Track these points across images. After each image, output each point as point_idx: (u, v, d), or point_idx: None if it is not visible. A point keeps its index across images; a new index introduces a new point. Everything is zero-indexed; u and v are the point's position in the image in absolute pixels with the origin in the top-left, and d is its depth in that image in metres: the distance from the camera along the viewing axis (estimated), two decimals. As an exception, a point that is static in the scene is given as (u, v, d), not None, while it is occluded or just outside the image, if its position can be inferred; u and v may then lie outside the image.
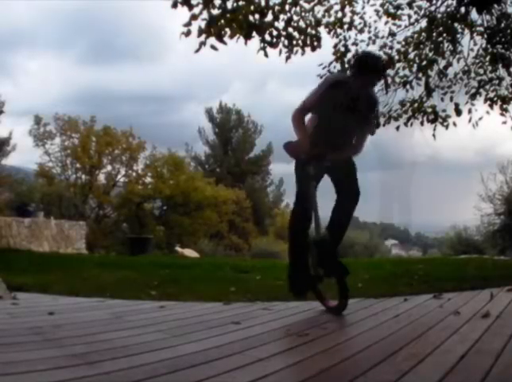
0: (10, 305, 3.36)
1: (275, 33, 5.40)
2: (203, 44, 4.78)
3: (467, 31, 7.20)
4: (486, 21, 7.01)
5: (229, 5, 4.90)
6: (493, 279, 4.63)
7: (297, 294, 3.36)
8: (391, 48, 7.27)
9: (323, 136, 3.28)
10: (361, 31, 7.07)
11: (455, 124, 7.11)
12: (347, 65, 7.07)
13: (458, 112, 6.91)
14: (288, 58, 5.85)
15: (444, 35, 7.12)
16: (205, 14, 4.74)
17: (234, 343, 2.25)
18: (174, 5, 4.60)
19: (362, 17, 7.02)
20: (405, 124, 7.30)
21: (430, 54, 7.17)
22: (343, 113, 3.22)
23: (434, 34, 7.09)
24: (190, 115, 74.35)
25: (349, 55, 7.07)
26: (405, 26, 7.19)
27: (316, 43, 5.88)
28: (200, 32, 4.73)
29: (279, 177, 36.45)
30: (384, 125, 7.17)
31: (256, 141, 35.43)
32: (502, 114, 7.26)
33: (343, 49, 7.03)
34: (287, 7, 5.53)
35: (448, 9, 7.05)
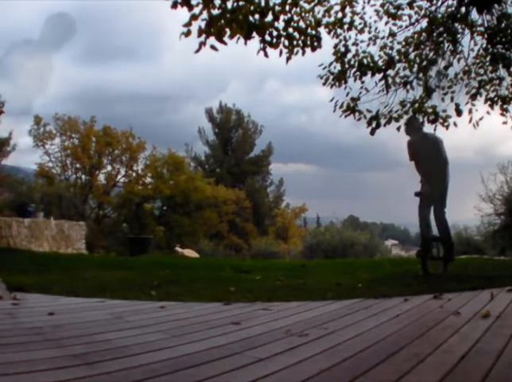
0: (10, 306, 3.35)
1: (275, 33, 5.39)
2: (203, 44, 4.76)
3: (467, 31, 7.19)
4: (486, 21, 7.00)
5: (229, 5, 4.88)
6: (493, 279, 4.63)
7: (418, 256, 5.62)
8: (391, 48, 7.25)
9: (422, 175, 5.52)
10: (361, 31, 7.05)
11: (455, 124, 7.10)
12: (347, 65, 7.06)
13: (458, 112, 6.90)
14: (288, 59, 5.84)
15: (445, 35, 7.11)
16: (205, 14, 4.72)
17: (235, 343, 2.25)
18: (174, 6, 4.58)
19: (362, 18, 7.00)
20: (406, 124, 7.28)
21: (430, 54, 7.17)
22: (422, 157, 5.46)
23: (434, 34, 7.08)
24: (190, 115, 74.30)
25: (349, 55, 7.07)
26: (406, 26, 7.18)
27: (316, 43, 5.86)
28: (200, 32, 4.71)
29: (279, 177, 36.51)
30: (385, 125, 7.16)
31: (256, 141, 35.48)
32: (502, 115, 7.25)
33: (343, 49, 7.02)
34: (287, 7, 5.52)
35: (449, 9, 7.04)
